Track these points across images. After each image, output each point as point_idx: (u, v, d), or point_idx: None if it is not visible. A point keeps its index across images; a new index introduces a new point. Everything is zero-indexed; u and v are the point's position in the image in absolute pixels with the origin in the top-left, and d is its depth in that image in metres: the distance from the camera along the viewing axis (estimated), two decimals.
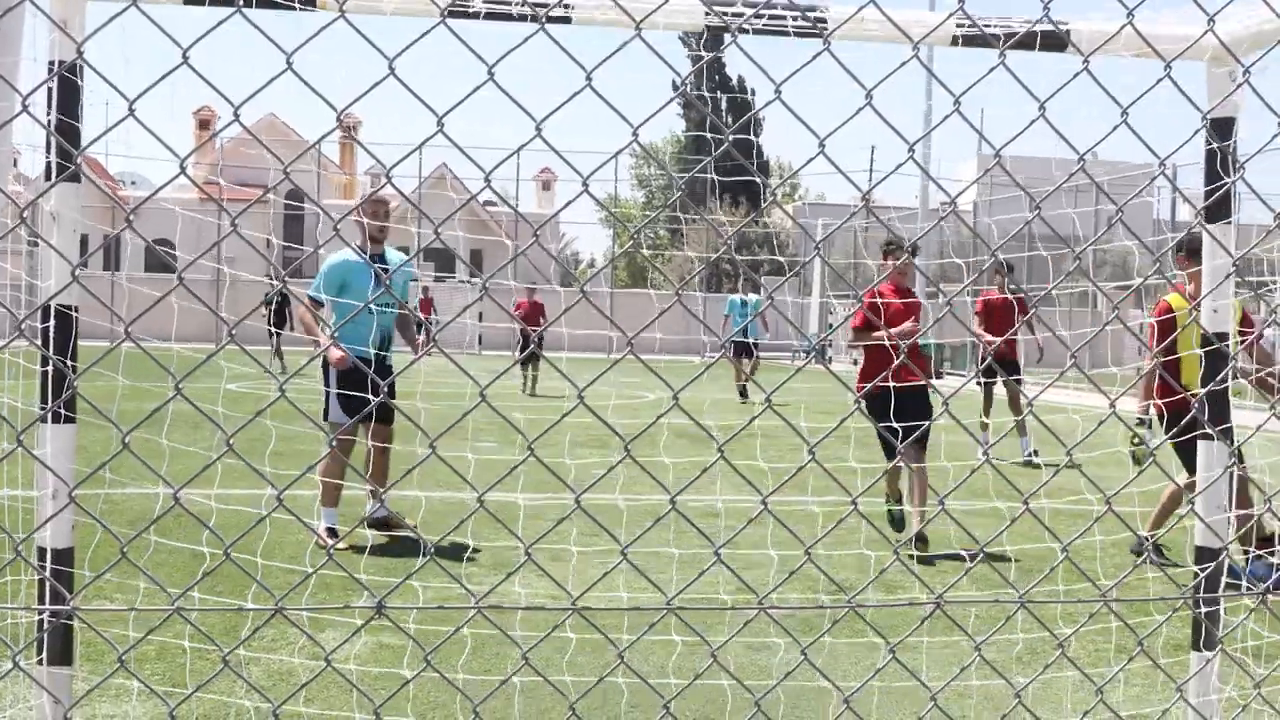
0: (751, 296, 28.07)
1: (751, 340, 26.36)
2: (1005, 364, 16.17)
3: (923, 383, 8.84)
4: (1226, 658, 4.75)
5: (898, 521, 10.48)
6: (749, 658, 6.69)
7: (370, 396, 8.95)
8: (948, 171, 67.92)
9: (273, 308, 32.50)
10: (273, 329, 31.70)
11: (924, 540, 9.84)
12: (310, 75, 2.42)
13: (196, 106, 59.60)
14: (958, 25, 3.87)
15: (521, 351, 25.57)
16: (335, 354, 9.19)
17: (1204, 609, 4.18)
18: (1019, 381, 16.21)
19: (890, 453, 10.26)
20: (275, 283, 32.94)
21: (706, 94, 71.37)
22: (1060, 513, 11.54)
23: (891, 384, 9.26)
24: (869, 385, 9.51)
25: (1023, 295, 16.21)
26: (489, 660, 6.49)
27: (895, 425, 8.98)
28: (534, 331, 23.17)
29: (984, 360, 16.82)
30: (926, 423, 9.65)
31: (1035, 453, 16.32)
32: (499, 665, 6.41)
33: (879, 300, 10.42)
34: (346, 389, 9.40)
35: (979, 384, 16.73)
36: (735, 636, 6.98)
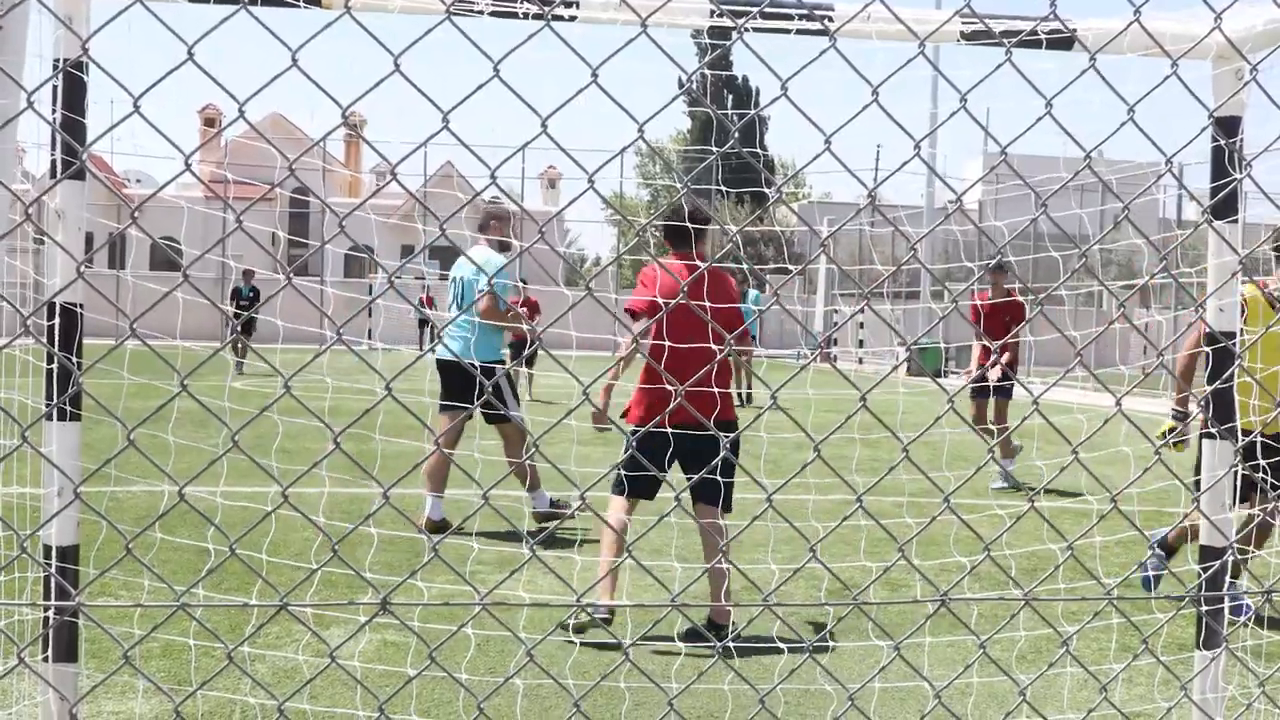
0: (752, 292, 27.54)
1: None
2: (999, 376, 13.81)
3: (724, 419, 7.01)
4: (1230, 656, 4.75)
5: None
6: (754, 657, 6.69)
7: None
8: (954, 170, 67.96)
9: (240, 302, 30.72)
10: (236, 320, 30.14)
11: (720, 627, 7.08)
12: (315, 73, 2.42)
13: (202, 104, 59.66)
14: (964, 22, 3.87)
15: (514, 352, 24.61)
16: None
17: (1208, 608, 4.18)
18: (1007, 395, 14.08)
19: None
20: (253, 281, 31.50)
21: (711, 89, 71.25)
22: (1065, 511, 11.54)
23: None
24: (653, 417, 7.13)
25: (1020, 302, 14.21)
26: (493, 658, 6.50)
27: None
28: (530, 330, 22.54)
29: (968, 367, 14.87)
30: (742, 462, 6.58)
31: (1008, 477, 13.68)
32: (503, 663, 6.42)
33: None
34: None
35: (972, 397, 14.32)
36: (739, 634, 6.99)
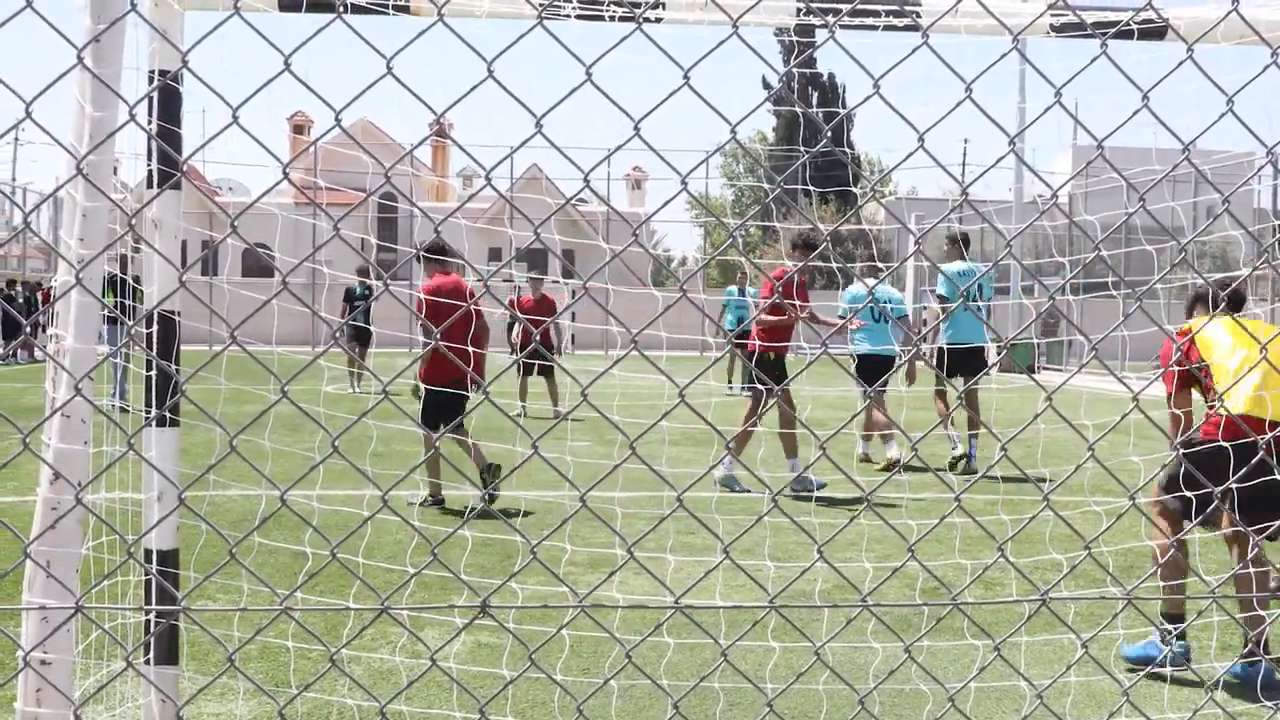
0: (731, 287, 26.98)
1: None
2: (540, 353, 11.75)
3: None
4: None
5: None
6: (848, 657, 6.66)
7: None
8: (1043, 163, 67.35)
9: (356, 306, 26.73)
10: (351, 331, 26.66)
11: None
12: (402, 79, 2.44)
13: (290, 111, 60.15)
14: (1053, 14, 3.83)
15: (523, 356, 19.54)
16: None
17: None
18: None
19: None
20: (367, 280, 28.29)
21: (797, 87, 70.90)
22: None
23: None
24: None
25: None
26: (586, 659, 6.52)
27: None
28: (541, 332, 20.70)
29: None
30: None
31: (489, 483, 10.94)
32: (596, 664, 6.43)
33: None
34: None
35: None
36: (837, 635, 6.96)
